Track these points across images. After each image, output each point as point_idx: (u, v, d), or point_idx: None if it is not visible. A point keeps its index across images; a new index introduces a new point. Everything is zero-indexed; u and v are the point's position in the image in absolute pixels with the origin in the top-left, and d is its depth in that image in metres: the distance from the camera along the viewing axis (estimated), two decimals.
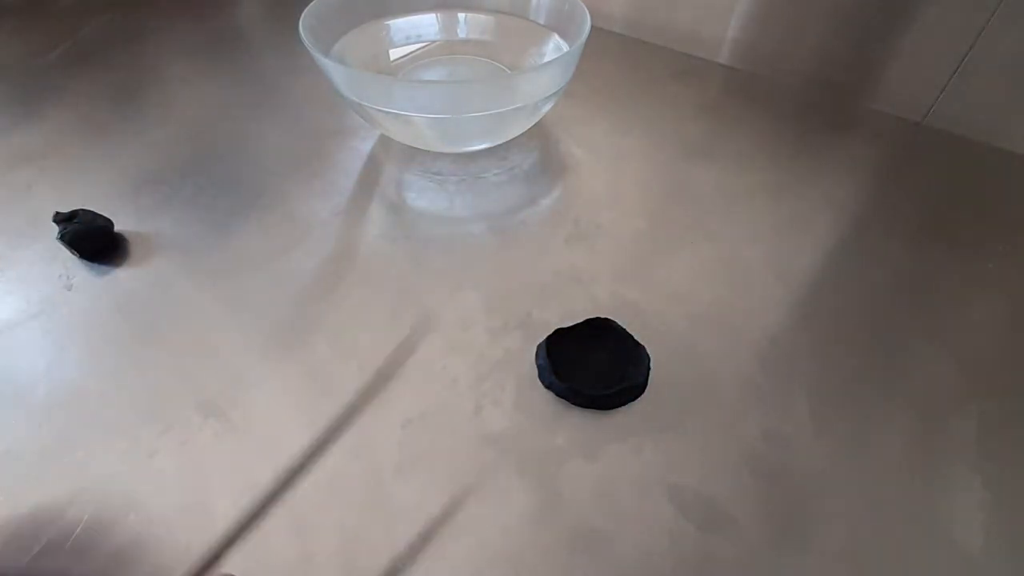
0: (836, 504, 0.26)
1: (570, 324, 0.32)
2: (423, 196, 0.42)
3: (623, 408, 0.29)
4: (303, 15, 0.39)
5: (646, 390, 0.30)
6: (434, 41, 0.50)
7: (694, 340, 0.32)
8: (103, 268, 0.36)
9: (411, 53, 0.49)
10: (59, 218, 0.36)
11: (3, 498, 0.26)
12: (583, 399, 0.29)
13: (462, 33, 0.50)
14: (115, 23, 0.61)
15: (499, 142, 0.44)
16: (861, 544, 0.25)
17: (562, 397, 0.29)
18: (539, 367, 0.30)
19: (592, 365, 0.30)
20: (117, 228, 0.38)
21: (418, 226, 0.39)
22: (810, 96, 0.51)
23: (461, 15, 0.50)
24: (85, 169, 0.43)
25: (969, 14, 0.42)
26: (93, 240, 0.36)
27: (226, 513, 0.26)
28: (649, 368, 0.30)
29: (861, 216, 0.40)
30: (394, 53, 0.49)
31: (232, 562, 0.21)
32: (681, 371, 0.31)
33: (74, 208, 0.36)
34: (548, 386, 0.30)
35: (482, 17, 0.49)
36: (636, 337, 0.31)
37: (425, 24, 0.50)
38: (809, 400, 0.30)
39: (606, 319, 0.32)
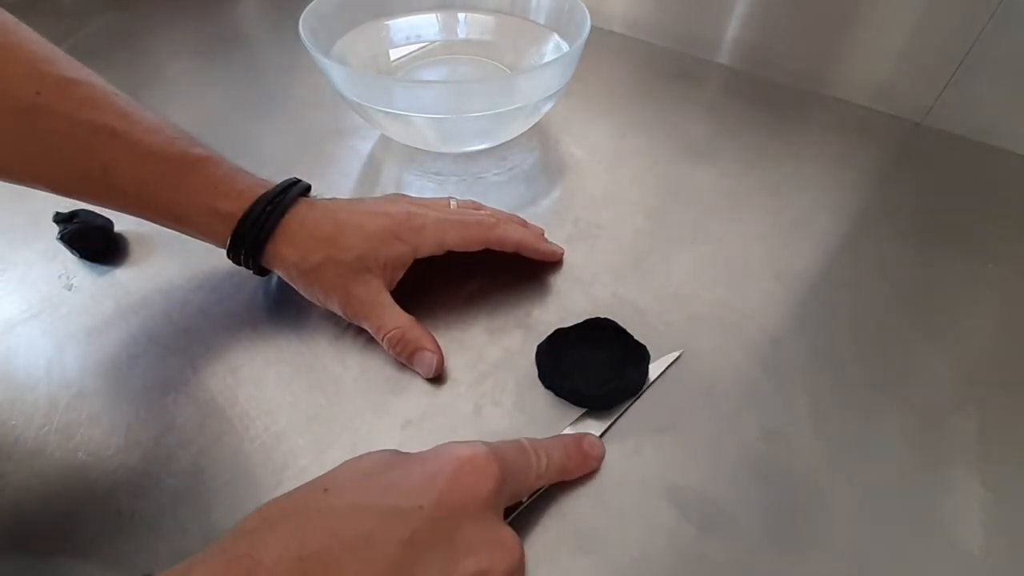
0: (836, 504, 0.26)
1: (570, 324, 0.32)
2: (423, 196, 0.42)
3: (623, 408, 0.29)
4: (303, 15, 0.39)
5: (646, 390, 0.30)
6: (434, 41, 0.50)
7: (694, 340, 0.32)
8: (103, 268, 0.36)
9: (411, 53, 0.49)
10: (59, 218, 0.36)
11: (3, 498, 0.26)
12: (583, 400, 0.29)
13: (462, 33, 0.50)
14: (115, 23, 0.61)
15: (499, 142, 0.44)
16: (861, 544, 0.25)
17: (562, 398, 0.29)
18: (539, 367, 0.30)
19: (592, 365, 0.30)
20: (117, 228, 0.38)
21: None
22: (810, 96, 0.51)
23: (461, 15, 0.50)
24: None
25: (969, 14, 0.42)
26: (93, 240, 0.36)
27: (226, 512, 0.26)
28: (648, 367, 0.30)
29: (861, 216, 0.40)
30: (394, 53, 0.49)
31: None
32: (681, 371, 0.31)
33: (74, 208, 0.36)
34: (548, 386, 0.30)
35: (482, 17, 0.49)
36: (636, 337, 0.31)
37: (425, 24, 0.50)
38: (809, 400, 0.30)
39: (606, 319, 0.32)
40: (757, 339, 0.32)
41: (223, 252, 0.31)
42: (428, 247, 0.32)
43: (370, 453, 0.22)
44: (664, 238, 0.38)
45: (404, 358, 0.30)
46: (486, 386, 0.30)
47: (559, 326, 0.32)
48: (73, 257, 0.36)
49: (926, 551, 0.25)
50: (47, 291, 0.35)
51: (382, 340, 0.30)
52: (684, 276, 0.36)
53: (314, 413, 0.29)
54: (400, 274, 0.32)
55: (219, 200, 0.30)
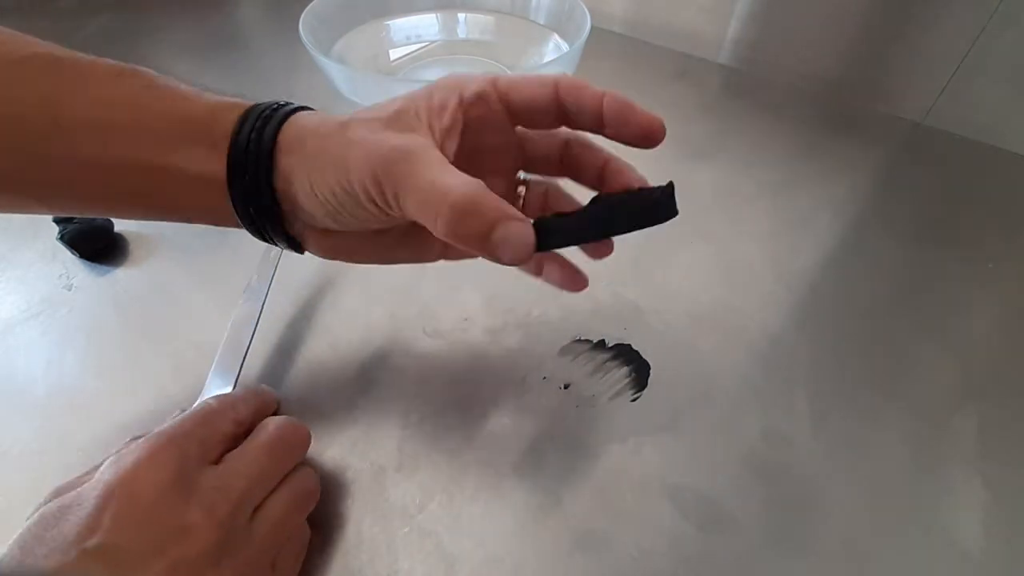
0: (836, 504, 0.26)
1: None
2: None
3: (623, 407, 0.29)
4: (303, 15, 0.39)
5: (646, 389, 0.30)
6: (434, 41, 0.50)
7: (694, 340, 0.32)
8: (103, 268, 0.36)
9: (411, 53, 0.49)
10: (59, 218, 0.36)
11: (3, 498, 0.26)
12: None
13: (462, 33, 0.50)
14: (115, 23, 0.61)
15: None
16: (861, 544, 0.25)
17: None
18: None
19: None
20: (117, 228, 0.38)
21: None
22: (810, 96, 0.51)
23: (461, 15, 0.50)
24: None
25: (969, 14, 0.42)
26: (93, 240, 0.36)
27: None
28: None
29: (861, 216, 0.40)
30: (394, 53, 0.49)
31: None
32: (681, 371, 0.31)
33: None
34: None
35: (482, 17, 0.49)
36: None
37: (425, 24, 0.50)
38: (809, 400, 0.30)
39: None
40: (757, 339, 0.32)
41: (225, 252, 0.31)
42: (476, 84, 0.22)
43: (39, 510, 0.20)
44: (664, 238, 0.38)
45: (478, 239, 0.19)
46: (487, 386, 0.30)
47: (560, 323, 0.32)
48: (73, 257, 0.36)
49: (926, 551, 0.25)
50: (47, 291, 0.35)
51: (440, 215, 0.19)
52: (684, 276, 0.36)
53: (315, 412, 0.29)
54: (455, 135, 0.22)
55: (207, 96, 0.23)
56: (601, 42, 0.56)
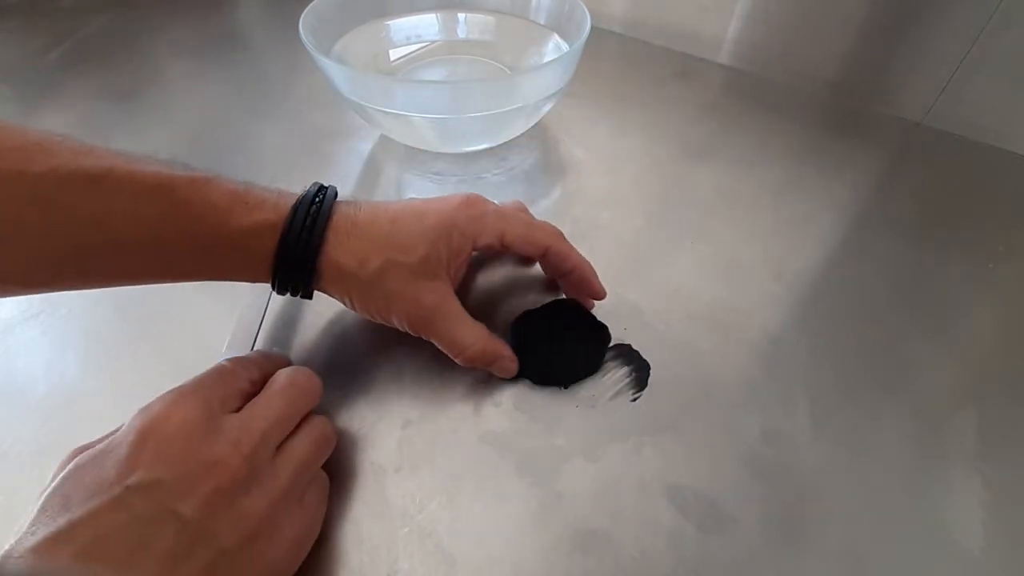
0: (836, 504, 0.26)
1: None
2: (423, 196, 0.42)
3: (623, 407, 0.29)
4: (303, 15, 0.39)
5: (646, 389, 0.30)
6: (434, 41, 0.50)
7: (694, 340, 0.32)
8: None
9: (411, 53, 0.49)
10: None
11: (3, 498, 0.26)
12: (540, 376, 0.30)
13: (462, 33, 0.50)
14: (115, 23, 0.61)
15: (499, 142, 0.44)
16: (861, 544, 0.25)
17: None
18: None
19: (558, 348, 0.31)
20: None
21: None
22: (810, 96, 0.51)
23: (461, 15, 0.50)
24: None
25: (969, 14, 0.42)
26: None
27: None
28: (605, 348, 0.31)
29: (861, 216, 0.40)
30: (394, 53, 0.49)
31: None
32: (681, 371, 0.31)
33: None
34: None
35: (482, 17, 0.49)
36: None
37: (425, 24, 0.50)
38: (809, 400, 0.30)
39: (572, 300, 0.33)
40: (757, 339, 0.32)
41: None
42: (487, 238, 0.29)
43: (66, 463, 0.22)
44: (664, 238, 0.38)
45: (480, 368, 0.29)
46: (486, 386, 0.30)
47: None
48: None
49: (926, 551, 0.25)
50: None
51: (459, 359, 0.28)
52: (684, 276, 0.36)
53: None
54: (462, 272, 0.30)
55: (254, 213, 0.25)
56: (601, 42, 0.56)
